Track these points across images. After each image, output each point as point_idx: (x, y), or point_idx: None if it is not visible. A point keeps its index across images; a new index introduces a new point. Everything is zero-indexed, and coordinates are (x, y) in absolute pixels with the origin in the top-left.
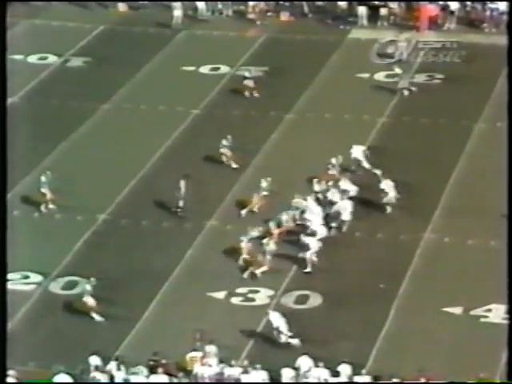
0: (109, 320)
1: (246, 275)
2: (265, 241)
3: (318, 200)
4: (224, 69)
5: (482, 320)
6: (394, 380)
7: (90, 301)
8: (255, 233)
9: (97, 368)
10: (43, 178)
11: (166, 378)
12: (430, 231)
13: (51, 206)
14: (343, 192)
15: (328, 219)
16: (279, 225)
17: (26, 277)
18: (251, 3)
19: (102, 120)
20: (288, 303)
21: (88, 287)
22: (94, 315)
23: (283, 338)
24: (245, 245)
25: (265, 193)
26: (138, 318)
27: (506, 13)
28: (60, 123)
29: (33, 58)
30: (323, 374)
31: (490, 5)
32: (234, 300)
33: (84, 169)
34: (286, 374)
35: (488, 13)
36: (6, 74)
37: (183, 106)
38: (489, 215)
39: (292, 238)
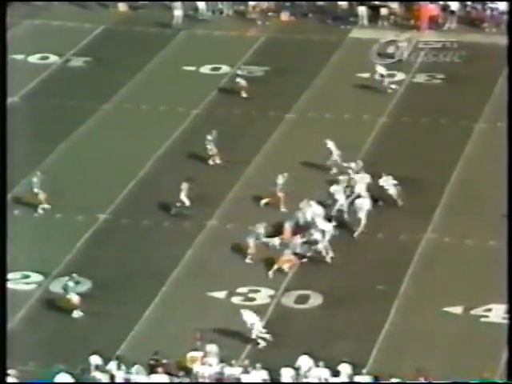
0: (109, 319)
1: (271, 274)
2: (276, 240)
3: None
4: (225, 69)
5: (482, 320)
6: (395, 380)
7: (74, 298)
8: (261, 230)
9: (97, 367)
10: (35, 179)
11: (166, 378)
12: (431, 231)
13: (46, 205)
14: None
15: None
16: (294, 226)
17: (27, 276)
18: (251, 3)
19: (103, 120)
20: (288, 303)
21: (71, 284)
22: (75, 312)
23: (254, 334)
24: (252, 242)
25: (279, 188)
26: (138, 317)
27: (506, 12)
28: (60, 123)
29: (33, 58)
30: (323, 373)
31: (491, 4)
32: (235, 300)
33: (84, 168)
34: (286, 373)
35: (488, 12)
36: (6, 74)
37: (184, 106)
38: (488, 215)
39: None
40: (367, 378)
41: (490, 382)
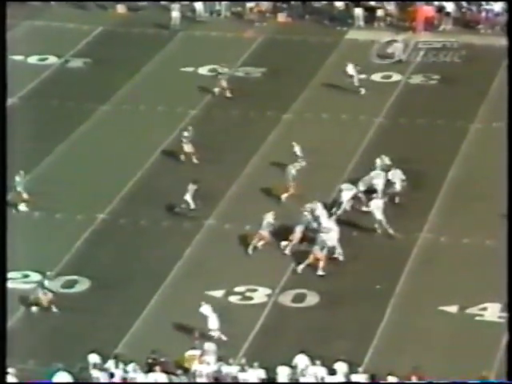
0: (108, 318)
1: (300, 269)
2: (283, 244)
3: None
4: (222, 70)
5: (477, 318)
6: (391, 378)
7: (48, 296)
8: (271, 219)
9: (95, 366)
10: (17, 178)
11: (164, 376)
12: (427, 231)
13: (25, 207)
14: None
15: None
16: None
17: (26, 276)
18: (249, 4)
19: (102, 120)
20: (285, 302)
21: (46, 283)
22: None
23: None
24: (264, 233)
25: (292, 180)
26: (136, 316)
27: (502, 13)
28: (60, 123)
29: (33, 59)
30: (320, 371)
31: (486, 6)
32: (233, 298)
33: (83, 169)
34: (283, 371)
35: (483, 14)
36: (6, 75)
37: (182, 107)
38: (484, 215)
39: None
40: (363, 377)
41: (489, 383)
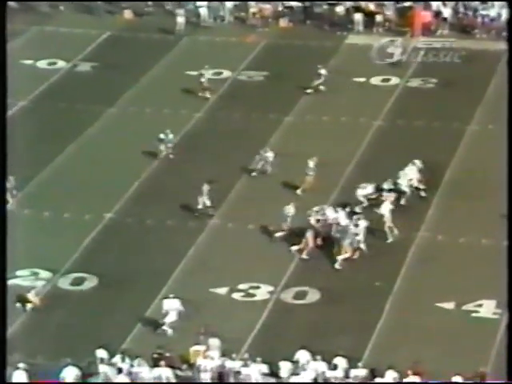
0: (115, 314)
1: (338, 266)
2: (293, 248)
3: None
4: (226, 73)
5: (473, 315)
6: (391, 374)
7: (37, 297)
8: (292, 210)
9: (103, 361)
10: (8, 184)
11: (169, 371)
12: (424, 230)
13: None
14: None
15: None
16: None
17: (36, 273)
18: (251, 10)
19: (109, 122)
20: (287, 299)
21: (39, 284)
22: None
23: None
24: (285, 224)
25: (311, 173)
26: (143, 312)
27: (497, 19)
28: (68, 125)
29: (42, 64)
30: (320, 366)
31: (482, 12)
32: (236, 295)
33: (91, 169)
34: (285, 366)
35: (479, 19)
36: (5, 75)
37: (187, 109)
38: (480, 215)
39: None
40: (363, 371)
41: (489, 383)
